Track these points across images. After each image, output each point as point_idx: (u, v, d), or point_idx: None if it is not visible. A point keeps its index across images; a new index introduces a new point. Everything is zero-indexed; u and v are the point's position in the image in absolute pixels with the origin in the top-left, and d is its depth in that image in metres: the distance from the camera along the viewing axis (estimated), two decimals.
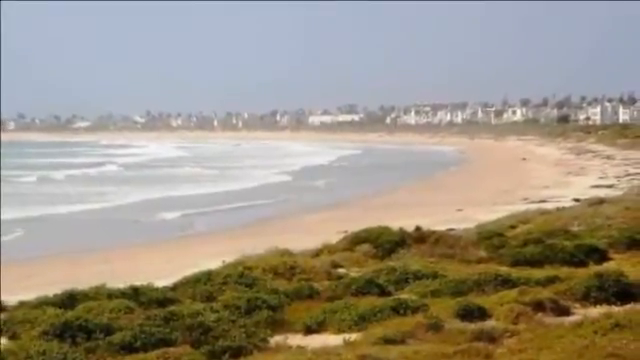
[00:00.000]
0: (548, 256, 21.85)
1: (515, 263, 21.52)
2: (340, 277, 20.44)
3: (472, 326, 14.95)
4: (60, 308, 17.35)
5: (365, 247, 24.55)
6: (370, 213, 40.54)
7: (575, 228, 28.38)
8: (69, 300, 18.14)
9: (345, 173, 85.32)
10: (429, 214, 38.68)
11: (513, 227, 30.30)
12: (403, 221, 29.36)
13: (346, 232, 28.47)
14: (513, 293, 16.85)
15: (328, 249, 25.30)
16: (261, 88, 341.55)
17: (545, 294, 16.81)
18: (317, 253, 24.79)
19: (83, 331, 15.29)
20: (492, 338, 14.23)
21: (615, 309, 15.84)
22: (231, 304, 16.78)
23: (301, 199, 56.36)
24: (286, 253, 23.86)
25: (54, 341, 14.87)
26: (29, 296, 19.43)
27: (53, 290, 19.13)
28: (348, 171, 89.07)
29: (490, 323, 15.34)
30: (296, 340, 15.32)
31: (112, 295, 18.19)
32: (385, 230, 25.88)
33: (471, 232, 28.49)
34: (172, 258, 30.63)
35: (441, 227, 30.19)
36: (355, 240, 25.53)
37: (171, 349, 14.39)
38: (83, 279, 22.03)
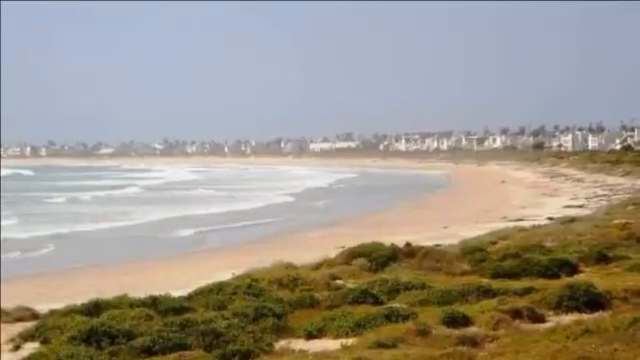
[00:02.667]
0: (525, 269, 21.85)
1: (495, 275, 21.50)
2: (338, 288, 20.43)
3: (456, 332, 14.96)
4: (87, 315, 17.39)
5: (360, 261, 24.54)
6: (365, 230, 40.51)
7: (549, 244, 28.38)
8: (95, 308, 18.17)
9: (343, 194, 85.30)
10: (418, 231, 38.66)
11: (493, 243, 30.30)
12: (394, 237, 29.36)
13: (343, 247, 28.45)
14: (493, 302, 16.86)
15: (327, 263, 25.29)
16: (267, 118, 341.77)
17: (522, 303, 16.82)
18: (317, 266, 24.78)
19: (107, 336, 15.31)
20: (474, 343, 14.23)
21: (585, 317, 15.85)
22: (240, 312, 16.79)
23: (303, 218, 56.32)
24: (290, 266, 23.86)
25: (81, 345, 14.89)
26: (59, 305, 19.44)
27: (80, 299, 19.15)
28: (345, 193, 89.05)
29: (473, 329, 15.34)
30: (298, 345, 15.32)
31: (133, 304, 18.21)
32: (378, 246, 25.89)
33: (456, 247, 28.49)
34: (187, 271, 30.60)
35: (429, 243, 30.18)
36: (351, 255, 25.53)
37: (186, 352, 14.41)
38: (107, 289, 22.02)
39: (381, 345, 14.18)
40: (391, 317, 16.11)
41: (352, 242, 28.71)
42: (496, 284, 19.29)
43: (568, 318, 16.06)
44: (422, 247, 26.30)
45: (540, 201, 62.10)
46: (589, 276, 21.07)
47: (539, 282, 19.75)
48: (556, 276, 21.35)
